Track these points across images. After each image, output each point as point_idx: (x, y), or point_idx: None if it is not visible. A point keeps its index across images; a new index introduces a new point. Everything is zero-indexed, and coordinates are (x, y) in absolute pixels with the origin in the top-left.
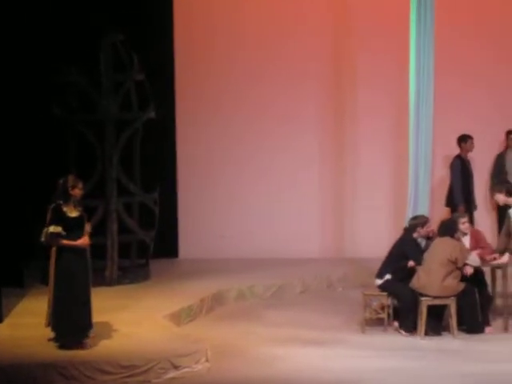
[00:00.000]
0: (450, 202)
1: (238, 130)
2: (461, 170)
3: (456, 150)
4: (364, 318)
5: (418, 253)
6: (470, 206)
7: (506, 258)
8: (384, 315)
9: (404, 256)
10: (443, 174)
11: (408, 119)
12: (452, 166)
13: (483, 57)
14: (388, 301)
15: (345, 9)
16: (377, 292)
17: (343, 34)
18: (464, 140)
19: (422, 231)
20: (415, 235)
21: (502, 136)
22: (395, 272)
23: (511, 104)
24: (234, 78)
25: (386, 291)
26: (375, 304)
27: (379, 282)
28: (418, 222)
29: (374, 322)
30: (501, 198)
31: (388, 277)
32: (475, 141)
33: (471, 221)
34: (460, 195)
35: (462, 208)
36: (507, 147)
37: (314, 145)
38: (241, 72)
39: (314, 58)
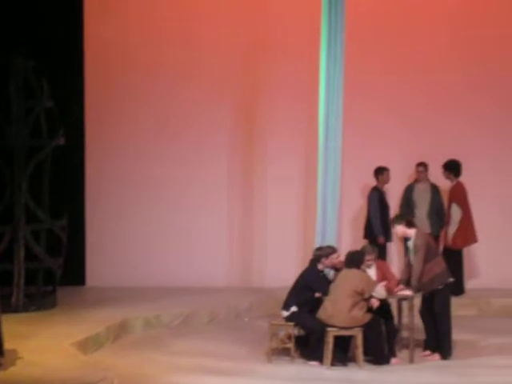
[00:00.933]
0: (369, 233)
1: (150, 158)
2: (378, 201)
3: (373, 181)
4: (270, 348)
5: (324, 284)
6: (387, 238)
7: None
8: (290, 345)
9: (309, 287)
10: (362, 205)
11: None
12: (369, 198)
13: (397, 87)
14: (294, 331)
15: (258, 35)
16: (283, 322)
17: (255, 59)
18: (380, 172)
19: (327, 262)
20: (320, 266)
21: (413, 168)
22: (301, 304)
23: (424, 136)
24: (147, 105)
25: (293, 322)
26: (282, 334)
27: (286, 313)
28: (323, 252)
29: (281, 352)
30: (400, 230)
31: (294, 309)
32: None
33: (385, 252)
34: (379, 227)
35: (381, 239)
36: (416, 179)
37: (224, 172)
38: (153, 99)
39: (226, 83)
